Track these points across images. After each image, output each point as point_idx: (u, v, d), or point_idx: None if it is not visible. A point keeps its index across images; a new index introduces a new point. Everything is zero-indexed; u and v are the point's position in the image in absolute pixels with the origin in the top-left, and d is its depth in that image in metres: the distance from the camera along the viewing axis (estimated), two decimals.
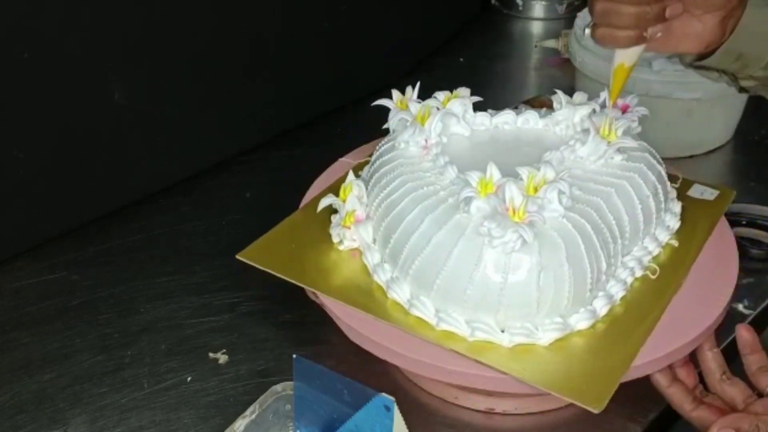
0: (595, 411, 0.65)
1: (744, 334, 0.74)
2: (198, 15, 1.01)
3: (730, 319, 0.77)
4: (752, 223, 0.97)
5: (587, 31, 0.79)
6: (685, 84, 1.05)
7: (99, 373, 0.83)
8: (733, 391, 0.72)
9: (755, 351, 0.74)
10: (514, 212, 0.70)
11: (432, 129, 0.81)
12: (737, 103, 1.12)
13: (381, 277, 0.77)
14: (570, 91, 1.19)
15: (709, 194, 0.87)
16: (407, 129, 0.81)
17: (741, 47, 0.77)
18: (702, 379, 0.75)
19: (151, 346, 0.86)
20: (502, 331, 0.71)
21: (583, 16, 1.18)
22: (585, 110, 0.82)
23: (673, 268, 0.78)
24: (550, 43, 1.39)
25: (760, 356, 0.73)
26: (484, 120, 0.85)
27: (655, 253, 0.80)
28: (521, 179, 0.72)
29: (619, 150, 0.79)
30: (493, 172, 0.72)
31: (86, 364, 0.84)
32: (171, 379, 0.82)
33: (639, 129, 0.83)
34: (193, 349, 0.85)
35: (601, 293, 0.74)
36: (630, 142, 0.80)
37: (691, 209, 0.85)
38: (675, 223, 0.82)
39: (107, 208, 1.02)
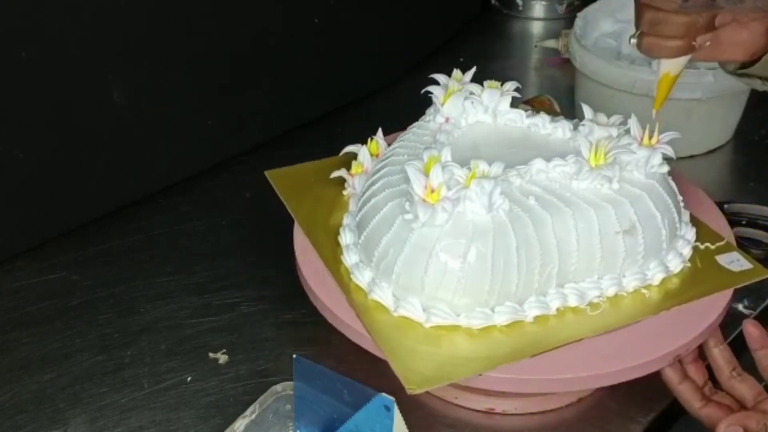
0: (408, 391, 0.67)
1: (751, 330, 0.74)
2: (198, 15, 1.01)
3: (730, 319, 0.77)
4: (752, 223, 0.97)
5: (633, 41, 0.77)
6: (685, 84, 1.05)
7: (99, 373, 0.83)
8: (743, 388, 0.72)
9: (765, 346, 0.73)
10: (430, 193, 0.71)
11: (446, 108, 0.83)
12: (737, 103, 1.12)
13: (344, 221, 0.82)
14: (570, 91, 1.19)
15: (737, 266, 0.79)
16: (434, 104, 0.85)
17: None
18: (713, 376, 0.75)
19: (151, 346, 0.86)
20: (394, 299, 0.73)
21: (583, 16, 1.18)
22: (601, 132, 0.79)
23: (620, 314, 0.74)
24: (550, 43, 1.39)
25: None
26: (515, 117, 0.84)
27: (610, 293, 0.75)
28: (468, 168, 0.73)
29: (608, 178, 0.75)
30: (445, 154, 0.74)
31: (86, 364, 0.84)
32: (171, 379, 0.82)
33: (664, 169, 0.77)
34: (193, 349, 0.85)
35: (508, 302, 0.73)
36: (614, 173, 0.75)
37: (705, 271, 0.78)
38: (657, 275, 0.77)
39: (107, 208, 1.02)
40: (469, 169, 0.72)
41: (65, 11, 0.89)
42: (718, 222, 0.85)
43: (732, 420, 0.69)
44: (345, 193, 0.86)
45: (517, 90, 0.86)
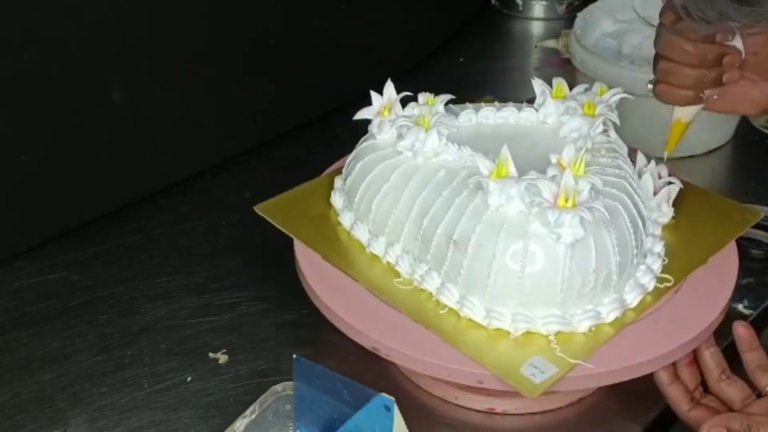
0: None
1: (741, 331, 0.74)
2: (198, 15, 1.01)
3: (730, 319, 0.77)
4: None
5: (649, 86, 0.82)
6: None
7: (99, 373, 0.83)
8: (732, 390, 0.73)
9: (753, 348, 0.74)
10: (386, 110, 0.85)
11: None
12: None
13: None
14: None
15: (530, 371, 0.69)
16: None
17: None
18: (703, 380, 0.75)
19: (151, 346, 0.86)
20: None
21: (583, 16, 1.18)
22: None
23: (398, 298, 0.76)
24: (550, 43, 1.39)
25: (758, 353, 0.74)
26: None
27: (419, 281, 0.76)
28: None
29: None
30: (389, 92, 0.85)
31: (86, 364, 0.84)
32: (171, 379, 0.82)
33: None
34: (193, 349, 0.85)
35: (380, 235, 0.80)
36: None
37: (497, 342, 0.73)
38: (452, 299, 0.74)
39: (107, 208, 1.02)
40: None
41: (66, 12, 0.89)
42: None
43: (716, 421, 0.69)
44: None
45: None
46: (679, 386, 0.74)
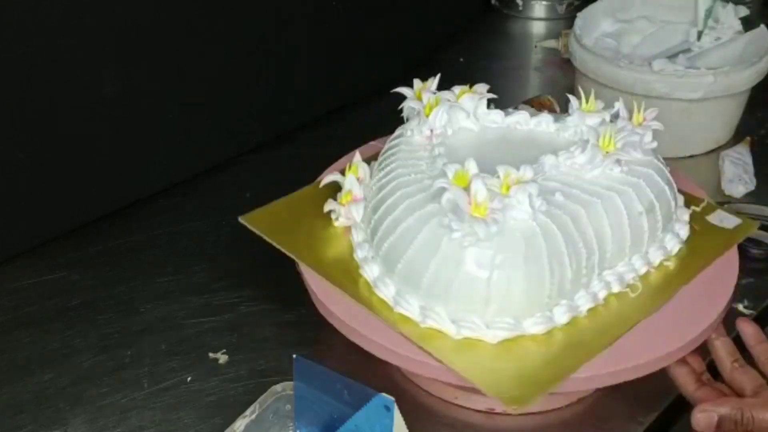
0: (513, 411, 0.67)
1: (746, 327, 0.75)
2: (198, 15, 1.01)
3: (730, 320, 0.77)
4: None
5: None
6: (685, 84, 1.05)
7: (99, 373, 0.83)
8: (744, 378, 0.72)
9: (761, 341, 0.74)
10: (476, 207, 0.70)
11: (436, 120, 0.82)
12: (737, 103, 1.12)
13: (359, 255, 0.79)
14: (570, 91, 1.19)
15: (730, 222, 0.83)
16: (414, 118, 0.83)
17: None
18: (715, 372, 0.75)
19: (151, 346, 0.86)
20: (453, 322, 0.72)
21: (583, 16, 1.18)
22: (594, 119, 0.81)
23: (658, 290, 0.76)
24: (550, 43, 1.39)
25: (767, 346, 0.74)
26: (496, 118, 0.84)
27: (642, 271, 0.77)
28: (498, 176, 0.72)
29: (618, 162, 0.77)
30: (470, 167, 0.72)
31: (86, 364, 0.84)
32: (171, 379, 0.82)
33: (654, 144, 0.80)
34: (193, 349, 0.85)
35: (564, 301, 0.72)
36: (626, 155, 0.77)
37: (705, 234, 0.82)
38: (674, 246, 0.80)
39: (107, 208, 1.02)
40: (498, 177, 0.72)
41: (66, 11, 0.89)
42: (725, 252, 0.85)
43: (708, 405, 0.69)
44: (337, 224, 0.83)
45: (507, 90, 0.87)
46: (685, 367, 0.74)
